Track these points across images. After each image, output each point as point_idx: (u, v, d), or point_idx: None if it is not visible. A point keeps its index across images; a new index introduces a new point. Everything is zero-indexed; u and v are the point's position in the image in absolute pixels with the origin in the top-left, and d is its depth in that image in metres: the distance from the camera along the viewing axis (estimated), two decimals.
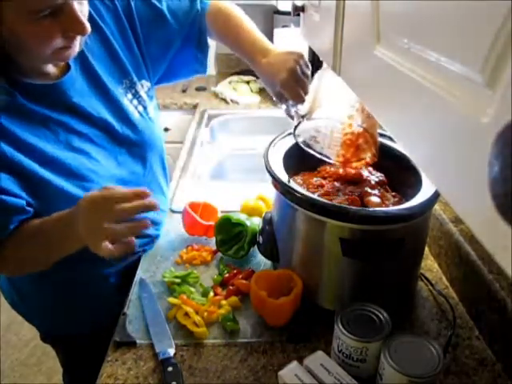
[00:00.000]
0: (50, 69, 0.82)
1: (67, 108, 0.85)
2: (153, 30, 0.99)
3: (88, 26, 0.73)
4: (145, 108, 0.99)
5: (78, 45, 0.78)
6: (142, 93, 0.99)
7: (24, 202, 0.78)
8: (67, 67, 0.86)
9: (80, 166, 0.85)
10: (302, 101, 0.90)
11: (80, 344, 1.05)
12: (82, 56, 0.88)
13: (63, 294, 0.97)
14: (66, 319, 1.01)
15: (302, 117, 0.88)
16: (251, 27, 1.02)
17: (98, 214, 0.72)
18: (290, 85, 0.89)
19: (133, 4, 0.96)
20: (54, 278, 0.92)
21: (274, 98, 0.98)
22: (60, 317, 1.01)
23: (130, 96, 0.96)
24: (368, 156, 0.87)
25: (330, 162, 0.87)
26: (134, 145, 0.95)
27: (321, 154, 0.87)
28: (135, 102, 0.97)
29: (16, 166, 0.77)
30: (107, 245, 0.72)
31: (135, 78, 0.97)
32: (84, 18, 0.73)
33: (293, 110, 0.92)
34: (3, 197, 0.76)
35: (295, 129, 0.89)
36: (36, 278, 0.93)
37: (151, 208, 0.74)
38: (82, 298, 0.98)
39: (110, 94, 0.92)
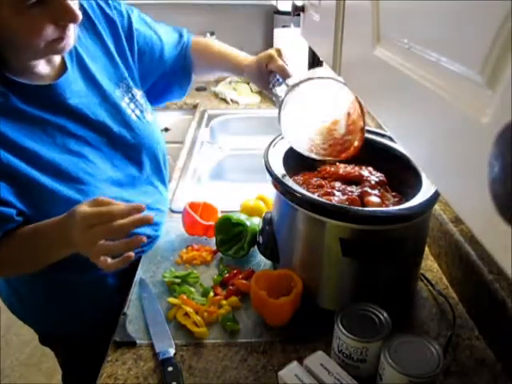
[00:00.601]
0: (43, 69, 0.82)
1: (64, 110, 0.84)
2: (147, 54, 1.04)
3: (79, 13, 0.72)
4: (142, 111, 0.99)
5: (71, 36, 0.76)
6: (138, 97, 1.00)
7: (14, 212, 0.77)
8: (64, 68, 0.86)
9: (77, 169, 0.84)
10: (288, 75, 0.96)
11: (79, 345, 1.05)
12: (78, 58, 0.88)
13: (62, 294, 0.97)
14: (65, 320, 1.01)
15: (293, 86, 0.88)
16: (230, 48, 1.13)
17: (95, 231, 0.71)
18: (275, 60, 0.98)
19: (133, 26, 1.00)
20: (53, 279, 0.92)
21: (262, 86, 1.04)
22: (59, 318, 1.01)
23: (127, 100, 0.96)
24: (356, 140, 0.86)
25: (317, 158, 0.88)
26: (130, 147, 0.95)
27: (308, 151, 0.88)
28: (132, 105, 0.97)
29: (11, 170, 0.77)
30: (106, 259, 0.72)
31: (131, 83, 0.99)
32: (75, 6, 0.72)
33: (279, 89, 0.96)
34: None
35: (282, 103, 0.87)
36: (34, 280, 0.93)
37: (147, 222, 0.73)
38: (82, 299, 0.98)
39: (108, 96, 0.92)
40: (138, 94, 1.01)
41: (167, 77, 1.10)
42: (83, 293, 0.98)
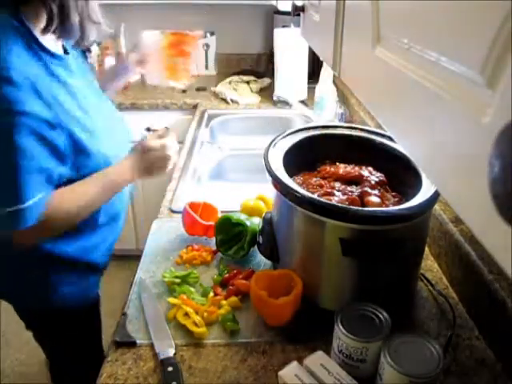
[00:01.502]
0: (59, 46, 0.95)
1: (78, 81, 0.95)
2: None
3: None
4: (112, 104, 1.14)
5: None
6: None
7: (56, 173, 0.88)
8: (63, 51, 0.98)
9: (92, 144, 0.94)
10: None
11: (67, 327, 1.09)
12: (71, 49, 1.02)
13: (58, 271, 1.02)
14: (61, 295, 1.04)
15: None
16: None
17: (162, 156, 1.01)
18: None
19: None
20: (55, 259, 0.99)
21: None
22: (57, 292, 1.03)
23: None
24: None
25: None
26: (111, 130, 1.06)
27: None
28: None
29: (67, 134, 0.87)
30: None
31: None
32: None
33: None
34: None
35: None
36: (33, 257, 0.97)
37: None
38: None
39: (92, 83, 1.05)
40: None
41: None
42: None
